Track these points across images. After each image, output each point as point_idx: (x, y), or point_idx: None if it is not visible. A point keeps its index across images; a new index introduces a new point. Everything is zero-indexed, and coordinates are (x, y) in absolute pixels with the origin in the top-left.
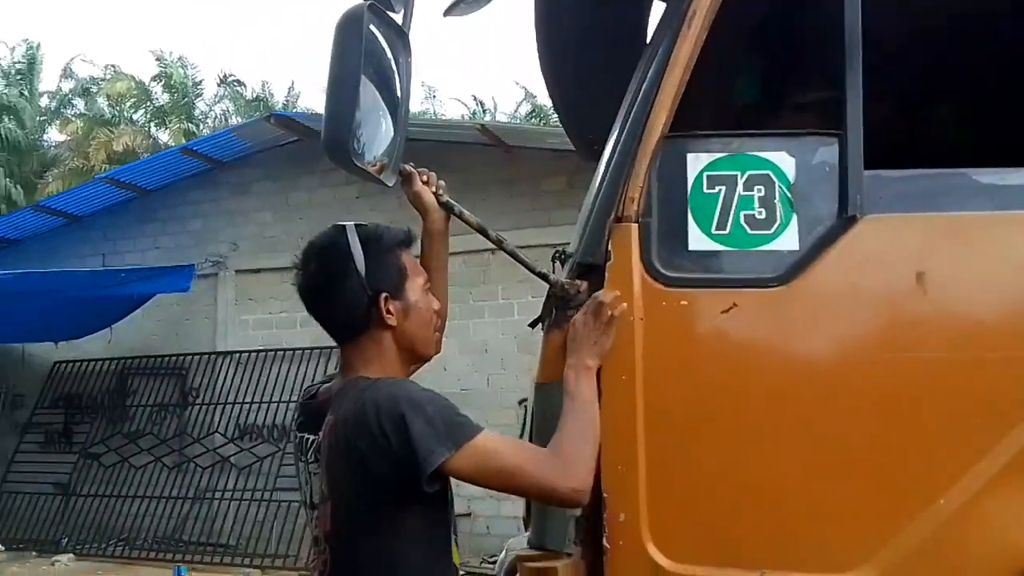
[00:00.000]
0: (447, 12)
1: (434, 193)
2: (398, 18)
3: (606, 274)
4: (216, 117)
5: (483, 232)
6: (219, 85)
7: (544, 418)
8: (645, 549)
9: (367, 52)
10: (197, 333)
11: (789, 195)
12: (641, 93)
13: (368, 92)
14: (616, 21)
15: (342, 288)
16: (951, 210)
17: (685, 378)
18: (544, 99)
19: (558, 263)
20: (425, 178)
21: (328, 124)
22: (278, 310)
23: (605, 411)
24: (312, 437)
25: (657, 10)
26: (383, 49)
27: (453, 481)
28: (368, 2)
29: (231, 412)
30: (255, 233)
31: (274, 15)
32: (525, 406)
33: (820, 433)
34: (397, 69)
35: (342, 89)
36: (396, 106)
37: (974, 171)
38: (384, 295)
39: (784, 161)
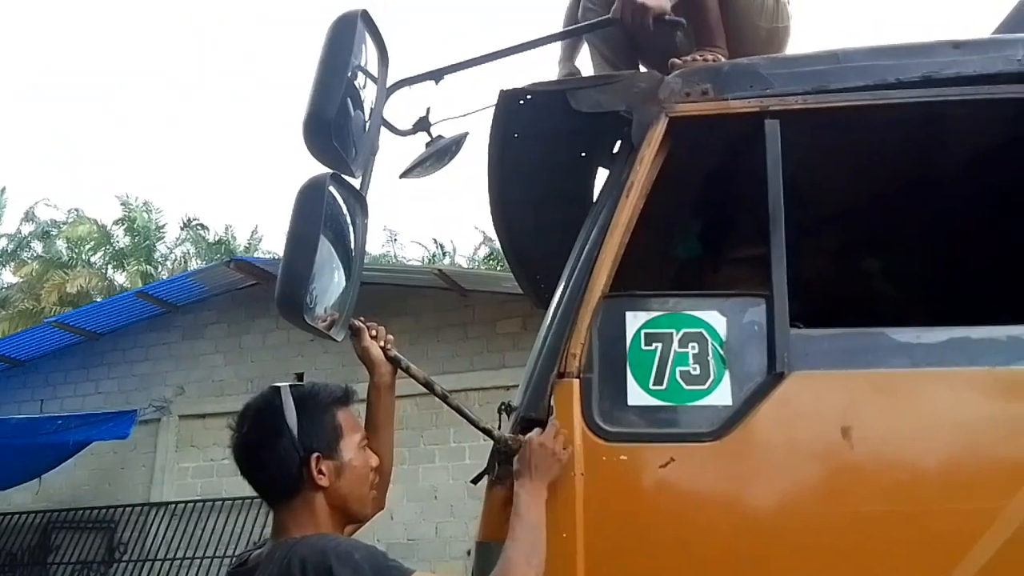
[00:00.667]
0: (403, 175)
1: (382, 348)
2: (356, 182)
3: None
4: (176, 259)
5: (428, 387)
6: (182, 228)
7: None
8: None
9: (327, 215)
10: (131, 483)
11: (721, 352)
12: (584, 253)
13: (324, 248)
14: (564, 183)
15: (273, 448)
16: (872, 367)
17: (626, 533)
18: None
19: (504, 415)
20: (374, 332)
21: (283, 281)
22: (220, 456)
23: (547, 571)
24: None
25: (603, 174)
26: (341, 210)
27: None
28: (331, 172)
29: (160, 569)
30: (203, 376)
31: (241, 159)
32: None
33: None
34: (353, 229)
35: (299, 249)
36: (350, 262)
37: (892, 330)
38: (316, 455)
39: (716, 320)
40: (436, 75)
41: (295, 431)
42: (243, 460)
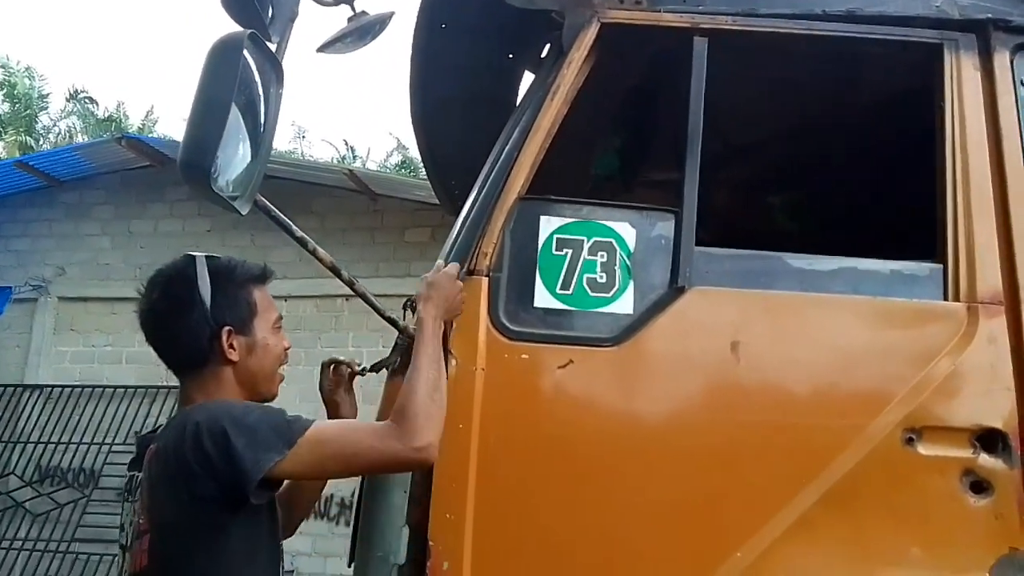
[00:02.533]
0: (321, 48)
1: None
2: (273, 47)
3: (453, 324)
4: (60, 133)
5: (335, 272)
6: (68, 100)
7: None
8: None
9: (240, 78)
10: (3, 363)
11: (628, 263)
12: (503, 154)
13: (233, 115)
14: (488, 86)
15: (185, 318)
16: (766, 288)
17: (520, 430)
18: (415, 152)
19: (409, 312)
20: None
21: (189, 146)
22: (103, 343)
23: (439, 460)
24: (140, 475)
25: (528, 80)
26: (254, 77)
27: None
28: (248, 31)
29: (32, 452)
30: (88, 259)
31: (138, 31)
32: None
33: (637, 485)
34: (266, 98)
35: (210, 113)
36: (259, 135)
37: (787, 255)
38: (228, 329)
39: (626, 231)
40: None
41: (208, 303)
42: (150, 327)
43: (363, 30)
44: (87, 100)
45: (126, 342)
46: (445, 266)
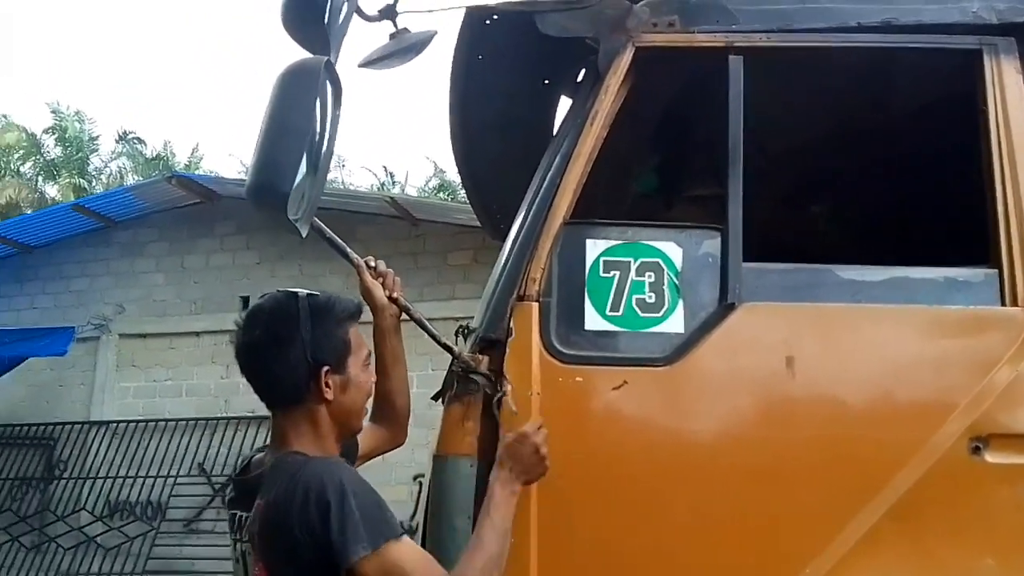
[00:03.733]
0: (363, 64)
1: (389, 296)
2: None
3: (507, 350)
4: (111, 174)
5: (422, 326)
6: (117, 141)
7: (439, 490)
8: None
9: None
10: (70, 401)
11: (676, 282)
12: (547, 181)
13: None
14: (526, 113)
15: (285, 355)
16: (818, 301)
17: (577, 452)
18: (453, 175)
19: (461, 338)
20: (376, 272)
21: (265, 169)
22: (163, 378)
23: None
24: (244, 514)
25: (564, 104)
26: (326, 99)
27: None
28: (324, 58)
29: (101, 487)
30: (144, 296)
31: (183, 72)
32: (420, 482)
33: (698, 505)
34: (325, 120)
35: (288, 138)
36: (318, 157)
37: (838, 267)
38: (326, 368)
39: (672, 251)
40: None
41: (308, 341)
42: (249, 361)
43: (406, 48)
44: (136, 140)
45: (185, 376)
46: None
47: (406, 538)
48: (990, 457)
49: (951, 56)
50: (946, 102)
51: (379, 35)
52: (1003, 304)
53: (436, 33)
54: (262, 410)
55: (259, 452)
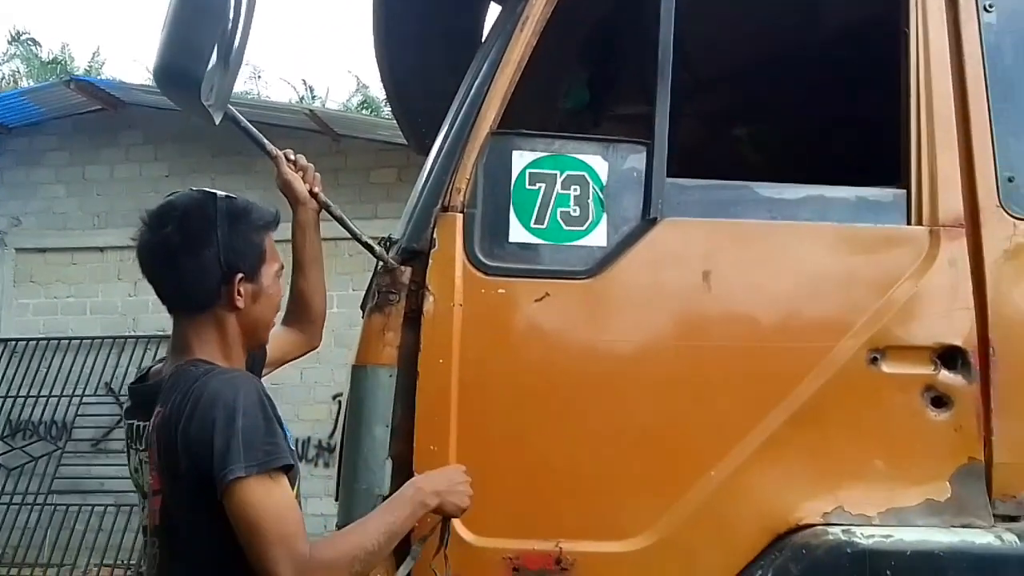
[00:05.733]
0: None
1: (310, 191)
2: None
3: (430, 260)
4: (4, 77)
5: (343, 224)
6: (10, 42)
7: (357, 400)
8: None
9: None
10: None
11: (601, 196)
12: (473, 89)
13: None
14: (453, 20)
15: (197, 257)
16: (736, 217)
17: (498, 362)
18: (377, 91)
19: (384, 250)
20: (296, 166)
21: (175, 50)
22: (65, 294)
23: (420, 393)
24: (143, 424)
25: (493, 13)
26: None
27: None
28: None
29: (2, 406)
30: (43, 208)
31: None
32: (340, 401)
33: (613, 412)
34: (242, 6)
35: (202, 16)
36: (231, 47)
37: (756, 184)
38: (240, 275)
39: (598, 164)
40: None
41: (223, 245)
42: (157, 261)
43: None
44: (30, 42)
45: (89, 293)
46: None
47: (282, 478)
48: (886, 367)
49: None
50: (869, 24)
51: None
52: (909, 223)
53: None
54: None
55: (159, 362)
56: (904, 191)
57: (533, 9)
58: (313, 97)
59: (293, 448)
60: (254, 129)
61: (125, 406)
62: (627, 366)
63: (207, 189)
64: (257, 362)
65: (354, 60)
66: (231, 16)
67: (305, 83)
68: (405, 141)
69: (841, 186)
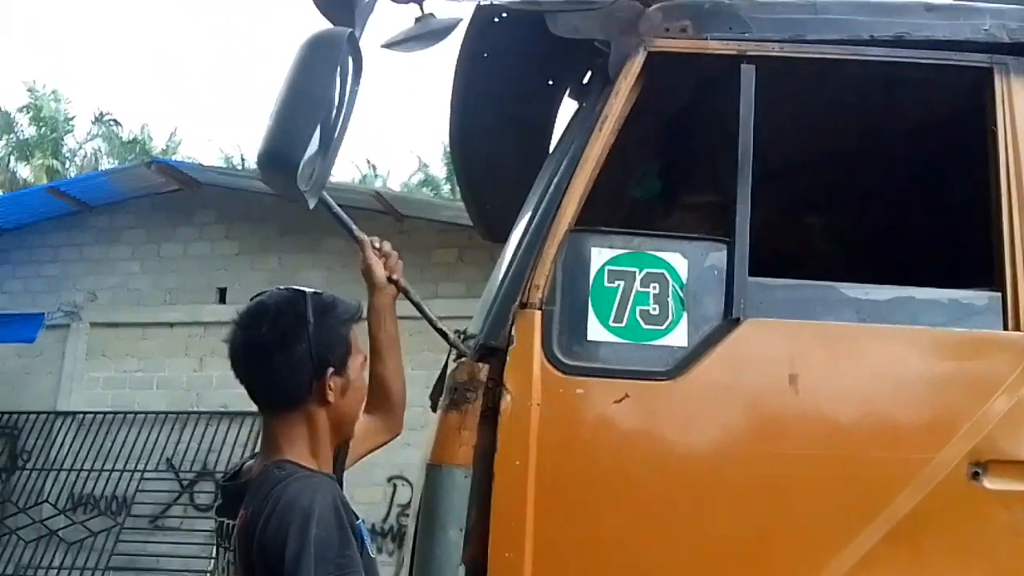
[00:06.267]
0: (387, 45)
1: (389, 277)
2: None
3: (507, 358)
4: (86, 156)
5: (395, 283)
6: (94, 123)
7: (431, 501)
8: None
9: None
10: (37, 390)
11: (681, 294)
12: (552, 186)
13: None
14: (527, 111)
15: (290, 355)
16: (822, 318)
17: (577, 465)
18: (437, 170)
19: (459, 339)
20: (380, 252)
21: (278, 137)
22: (133, 368)
23: (496, 496)
24: (231, 522)
25: (567, 105)
26: (345, 71)
27: None
28: (348, 30)
29: (65, 480)
30: (118, 284)
31: (162, 55)
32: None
33: (694, 520)
34: (345, 96)
35: (305, 107)
36: (333, 133)
37: (842, 285)
38: (330, 370)
39: (678, 262)
40: None
41: (315, 341)
42: (250, 360)
43: (429, 33)
44: (112, 123)
45: (156, 367)
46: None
47: None
48: (989, 483)
49: (961, 73)
50: (955, 119)
51: (403, 18)
52: (1006, 328)
53: (461, 20)
54: (234, 405)
55: (250, 459)
56: (999, 294)
57: (612, 109)
58: (376, 176)
59: (368, 546)
60: (344, 215)
61: (216, 504)
62: (709, 472)
63: (295, 287)
64: (341, 456)
65: (416, 140)
66: (335, 105)
67: (369, 163)
68: (471, 224)
69: (932, 288)
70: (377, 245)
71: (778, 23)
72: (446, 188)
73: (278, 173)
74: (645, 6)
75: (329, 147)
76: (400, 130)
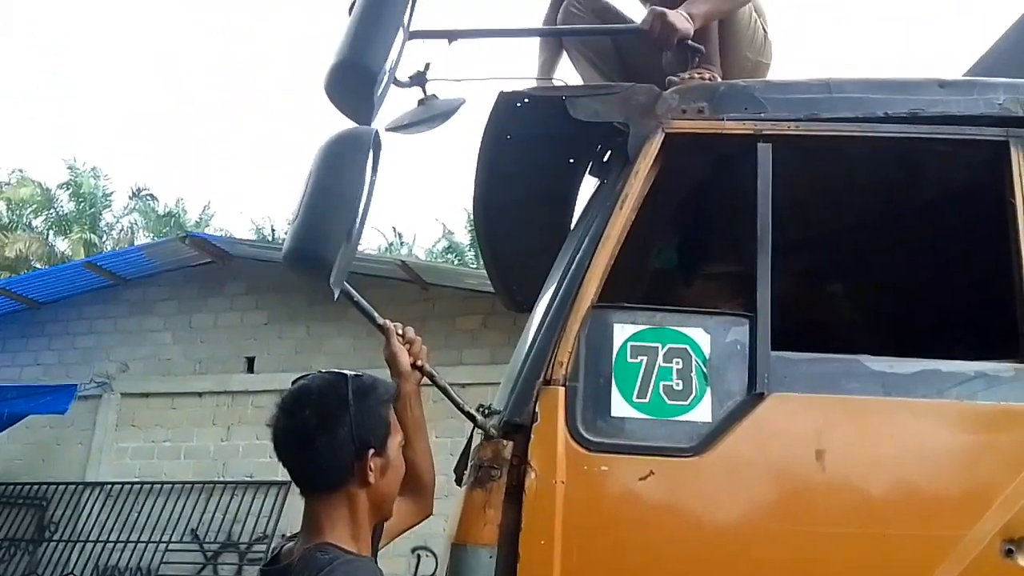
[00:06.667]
0: (391, 128)
1: (414, 363)
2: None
3: (531, 435)
4: (122, 230)
5: (446, 394)
6: (131, 197)
7: None
8: None
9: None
10: (66, 460)
11: (704, 369)
12: (575, 263)
13: None
14: (549, 187)
15: (333, 438)
16: (847, 393)
17: (603, 544)
18: (462, 237)
19: (480, 416)
20: (404, 339)
21: (308, 237)
22: (162, 438)
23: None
24: None
25: (587, 180)
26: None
27: None
28: (374, 129)
29: (91, 551)
30: (150, 354)
31: (196, 130)
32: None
33: None
34: (367, 187)
35: (337, 206)
36: (354, 223)
37: (867, 358)
38: (372, 450)
39: (700, 337)
40: (451, 35)
41: (356, 423)
42: (293, 444)
43: (435, 115)
44: (148, 197)
45: (185, 437)
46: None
47: None
48: (1023, 560)
49: (978, 147)
50: (974, 191)
51: (408, 100)
52: None
53: (464, 102)
54: (259, 474)
55: (290, 540)
56: None
57: (631, 188)
58: (402, 243)
59: None
60: (366, 304)
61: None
62: (737, 551)
63: (336, 370)
64: (376, 537)
65: (440, 207)
66: (361, 204)
67: (394, 230)
68: (495, 293)
69: (957, 360)
70: (400, 332)
71: (793, 102)
72: (470, 255)
73: (312, 272)
74: (662, 89)
75: (350, 239)
76: (424, 197)
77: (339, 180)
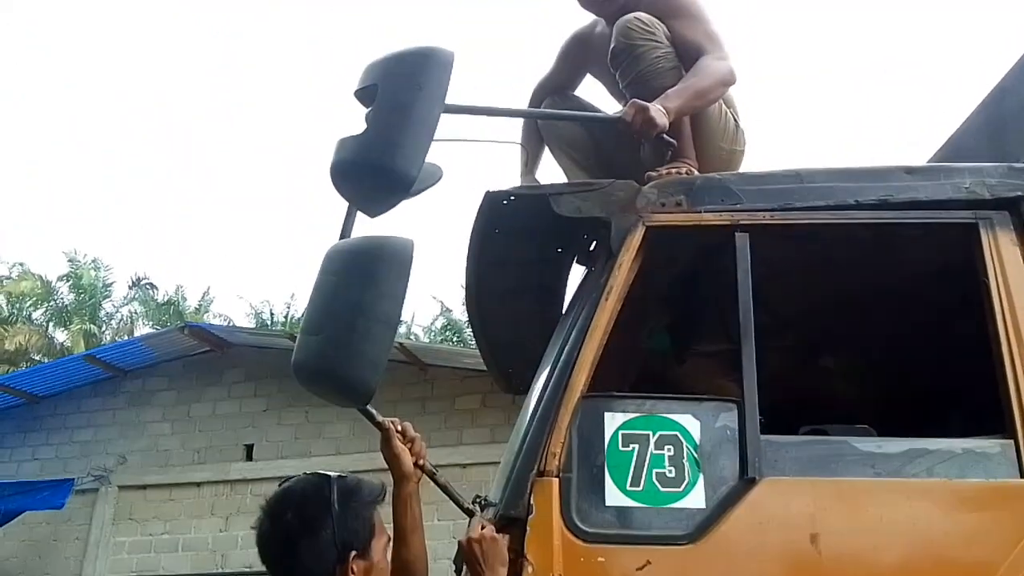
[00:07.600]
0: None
1: (415, 462)
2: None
3: (527, 528)
4: (122, 319)
5: (447, 492)
6: (131, 287)
7: None
8: None
9: None
10: (63, 557)
11: (696, 455)
12: (564, 355)
13: None
14: (539, 276)
15: (315, 541)
16: (838, 475)
17: None
18: (459, 315)
19: (478, 508)
20: (404, 438)
21: (353, 362)
22: (160, 531)
23: None
24: None
25: (576, 268)
26: None
27: None
28: (412, 241)
29: None
30: (148, 446)
31: (195, 218)
32: None
33: None
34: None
35: (386, 330)
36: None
37: (856, 440)
38: (353, 553)
39: (690, 423)
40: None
41: (337, 526)
42: (276, 548)
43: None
44: (148, 286)
45: (183, 528)
46: (480, 522)
47: None
48: None
49: (948, 230)
50: (948, 270)
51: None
52: (1022, 476)
53: (442, 174)
54: (258, 565)
55: None
56: (1011, 441)
57: (616, 280)
58: (400, 322)
59: None
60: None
61: None
62: None
63: (320, 471)
64: None
65: (438, 286)
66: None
67: None
68: (492, 377)
69: (944, 439)
70: (399, 428)
71: (767, 193)
72: (468, 332)
73: (351, 400)
74: (641, 185)
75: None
76: (421, 274)
77: (380, 302)
